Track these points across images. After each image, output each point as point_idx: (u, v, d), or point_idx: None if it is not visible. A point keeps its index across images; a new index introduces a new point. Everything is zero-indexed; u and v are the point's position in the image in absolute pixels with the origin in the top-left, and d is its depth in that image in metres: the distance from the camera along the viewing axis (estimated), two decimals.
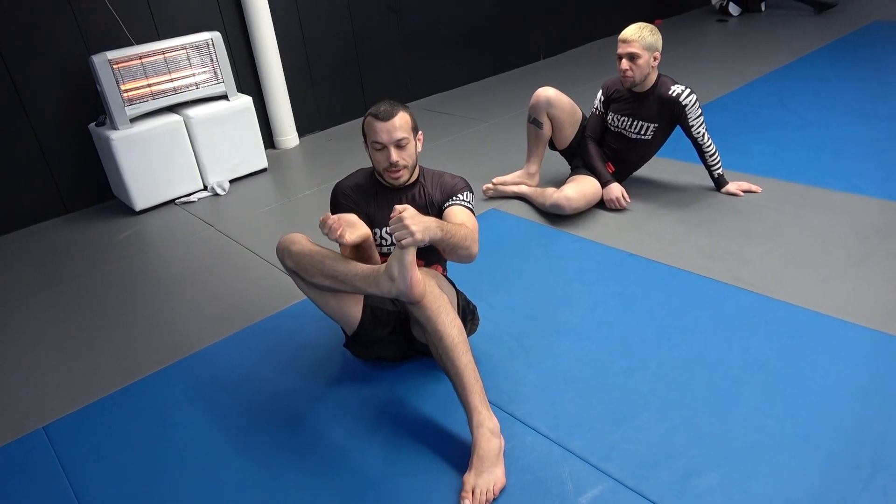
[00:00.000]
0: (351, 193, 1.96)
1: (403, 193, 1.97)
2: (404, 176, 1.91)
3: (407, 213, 1.60)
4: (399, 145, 1.85)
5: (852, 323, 2.04)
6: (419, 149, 1.93)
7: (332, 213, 1.94)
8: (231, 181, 3.75)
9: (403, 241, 1.59)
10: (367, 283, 1.68)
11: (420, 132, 1.93)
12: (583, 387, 1.88)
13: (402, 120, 1.84)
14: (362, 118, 1.91)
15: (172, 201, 3.57)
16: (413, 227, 1.58)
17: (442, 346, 1.66)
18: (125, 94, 3.28)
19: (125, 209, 3.55)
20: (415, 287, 1.64)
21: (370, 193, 1.98)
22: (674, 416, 1.75)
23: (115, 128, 3.29)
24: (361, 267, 1.70)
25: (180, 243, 3.11)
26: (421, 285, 1.66)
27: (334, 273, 1.70)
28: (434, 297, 1.68)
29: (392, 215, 1.61)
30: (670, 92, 2.79)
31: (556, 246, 2.70)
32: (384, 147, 1.85)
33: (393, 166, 1.86)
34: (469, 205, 1.94)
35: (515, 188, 3.15)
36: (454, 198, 1.94)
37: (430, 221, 1.63)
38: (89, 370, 2.21)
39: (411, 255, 1.63)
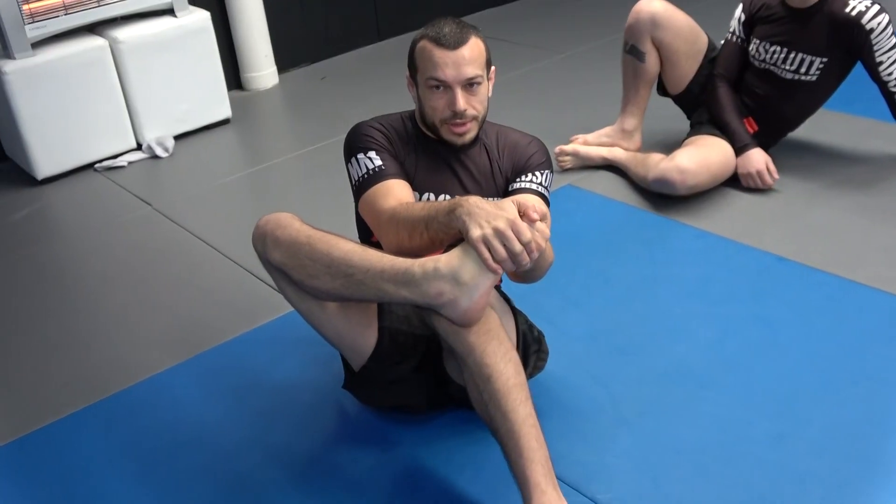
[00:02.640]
0: (384, 131, 1.98)
1: (459, 154, 1.98)
2: (472, 131, 1.91)
3: (544, 226, 1.61)
4: (469, 87, 1.86)
5: None
6: (490, 92, 1.94)
7: (350, 156, 1.94)
8: (177, 137, 3.79)
9: (525, 265, 1.59)
10: (397, 281, 1.64)
11: (493, 67, 1.93)
12: (704, 459, 1.87)
13: (475, 49, 1.85)
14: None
15: (92, 166, 3.63)
16: (543, 245, 1.59)
17: (490, 389, 1.65)
18: (26, 7, 3.34)
19: (23, 176, 3.61)
20: (480, 310, 1.65)
21: (408, 143, 1.99)
22: None
23: (9, 56, 3.36)
24: (388, 259, 1.67)
25: (102, 228, 3.16)
26: (484, 310, 1.66)
27: (347, 268, 1.68)
28: (483, 317, 1.69)
29: (525, 213, 1.60)
30: (848, 9, 2.74)
31: (664, 243, 2.69)
32: (447, 87, 1.86)
33: (457, 116, 1.87)
34: (546, 193, 1.95)
35: (605, 152, 3.14)
36: (526, 177, 1.95)
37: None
38: None
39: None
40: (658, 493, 1.80)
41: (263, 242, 1.80)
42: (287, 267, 1.77)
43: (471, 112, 1.87)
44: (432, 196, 1.96)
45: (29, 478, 2.01)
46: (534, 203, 1.63)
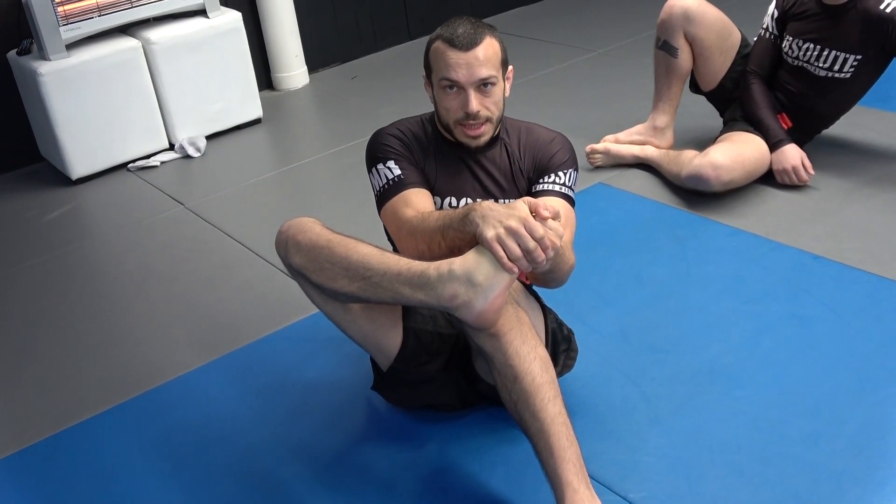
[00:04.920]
0: (403, 137, 1.98)
1: (478, 155, 1.97)
2: (486, 134, 1.91)
3: (557, 224, 1.61)
4: (483, 88, 1.85)
5: None
6: (507, 92, 1.93)
7: (371, 165, 1.96)
8: (209, 137, 3.82)
9: (540, 263, 1.59)
10: (413, 284, 1.66)
11: (510, 67, 1.93)
12: (738, 459, 1.85)
13: (488, 49, 1.84)
14: (425, 45, 1.92)
15: (125, 166, 3.66)
16: (557, 243, 1.59)
17: (518, 388, 1.66)
18: (61, 9, 3.38)
19: (57, 176, 3.66)
20: (496, 311, 1.65)
21: (427, 148, 1.99)
22: None
23: (44, 57, 3.40)
24: (404, 261, 1.69)
25: (135, 227, 3.19)
26: (500, 311, 1.66)
27: (365, 271, 1.70)
28: (505, 316, 1.68)
29: (536, 211, 1.61)
30: (882, 5, 2.71)
31: (697, 241, 2.68)
32: (460, 89, 1.85)
33: (471, 118, 1.87)
34: (571, 193, 1.94)
35: (637, 150, 3.13)
36: (550, 177, 1.94)
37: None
38: (2, 411, 2.28)
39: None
40: (692, 491, 1.78)
41: (285, 247, 1.82)
42: (307, 270, 1.78)
43: (484, 113, 1.87)
44: (454, 200, 1.96)
45: (63, 473, 2.04)
46: (545, 202, 1.64)
